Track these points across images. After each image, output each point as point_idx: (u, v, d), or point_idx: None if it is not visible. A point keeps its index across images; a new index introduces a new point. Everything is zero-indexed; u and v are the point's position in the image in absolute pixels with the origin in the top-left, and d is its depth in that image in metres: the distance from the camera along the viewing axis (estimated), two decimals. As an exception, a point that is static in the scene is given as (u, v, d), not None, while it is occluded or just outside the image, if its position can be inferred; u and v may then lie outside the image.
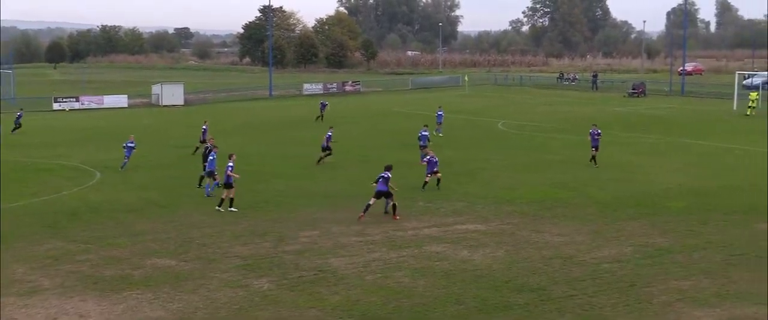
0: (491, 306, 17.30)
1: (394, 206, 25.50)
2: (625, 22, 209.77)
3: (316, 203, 27.90)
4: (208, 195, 28.89)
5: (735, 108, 61.67)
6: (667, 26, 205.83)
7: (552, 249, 21.72)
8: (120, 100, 71.46)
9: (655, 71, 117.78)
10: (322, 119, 53.71)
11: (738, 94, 64.44)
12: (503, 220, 25.10)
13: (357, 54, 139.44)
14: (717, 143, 42.50)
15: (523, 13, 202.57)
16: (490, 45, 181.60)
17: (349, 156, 38.89)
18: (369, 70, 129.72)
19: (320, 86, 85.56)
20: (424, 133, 36.79)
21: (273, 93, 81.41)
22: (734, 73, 73.81)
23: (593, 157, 35.05)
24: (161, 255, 21.36)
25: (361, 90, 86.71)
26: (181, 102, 72.19)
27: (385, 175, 25.47)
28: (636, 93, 76.45)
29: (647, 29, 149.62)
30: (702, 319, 16.45)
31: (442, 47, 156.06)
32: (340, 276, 19.48)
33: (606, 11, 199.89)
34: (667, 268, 19.87)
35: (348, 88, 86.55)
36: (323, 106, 55.32)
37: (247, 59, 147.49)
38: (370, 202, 25.33)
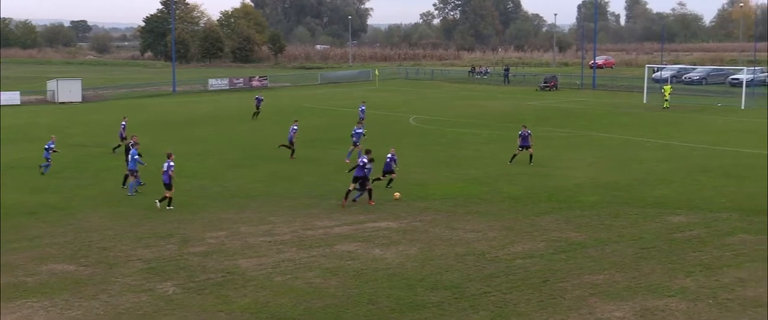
0: (405, 305, 17.40)
1: (370, 191, 26.90)
2: (537, 15, 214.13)
3: (223, 203, 27.62)
4: (131, 194, 28.59)
5: (645, 101, 63.44)
6: (578, 19, 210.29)
7: (465, 245, 21.97)
8: (12, 97, 69.27)
9: (566, 64, 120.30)
10: (257, 115, 52.95)
11: (648, 87, 66.28)
12: (416, 217, 25.28)
13: (264, 48, 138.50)
14: (629, 136, 43.63)
15: (434, 5, 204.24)
16: (401, 38, 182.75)
17: (256, 154, 38.61)
18: (277, 64, 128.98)
19: (226, 82, 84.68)
20: (358, 131, 36.73)
21: (176, 89, 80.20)
22: (644, 67, 75.94)
23: (530, 156, 34.78)
24: (59, 260, 20.82)
25: (269, 85, 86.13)
26: (78, 99, 70.46)
27: (363, 161, 26.85)
28: (548, 86, 77.91)
29: (558, 22, 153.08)
30: (614, 313, 16.86)
31: (352, 41, 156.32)
32: (248, 277, 19.32)
33: (517, 4, 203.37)
34: (580, 263, 20.32)
35: (255, 83, 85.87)
36: (259, 101, 54.54)
37: (148, 54, 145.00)
38: (350, 188, 26.86)
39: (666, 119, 51.64)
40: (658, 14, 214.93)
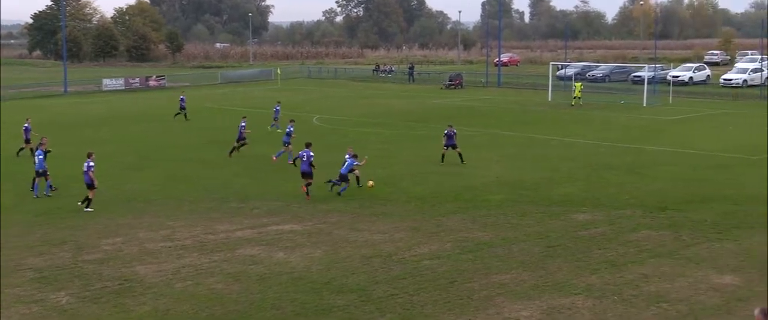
0: (310, 310, 17.36)
1: (308, 185, 28.04)
2: (441, 13, 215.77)
3: (119, 208, 27.08)
4: (37, 196, 28.20)
5: (550, 99, 64.73)
6: (482, 17, 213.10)
7: (371, 247, 22.05)
8: None
9: (471, 62, 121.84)
10: (185, 116, 51.81)
11: (553, 85, 67.64)
12: (320, 219, 25.25)
13: (161, 46, 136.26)
14: (534, 134, 44.45)
15: (337, 2, 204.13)
16: (303, 36, 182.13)
17: (153, 156, 37.98)
18: (175, 63, 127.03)
19: (121, 81, 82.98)
20: (290, 129, 36.46)
21: (68, 89, 78.17)
22: (548, 64, 77.48)
23: (460, 155, 35.00)
24: (-59, 271, 20.08)
25: (167, 85, 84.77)
26: (-39, 100, 68.05)
27: (308, 154, 28.33)
28: (453, 85, 78.75)
29: (463, 20, 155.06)
30: (521, 312, 17.17)
31: (253, 39, 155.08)
32: (147, 285, 18.98)
33: (421, 1, 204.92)
34: (488, 262, 20.61)
35: (152, 83, 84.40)
36: (183, 100, 53.41)
37: (37, 52, 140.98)
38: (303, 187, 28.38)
39: (571, 117, 52.78)
40: (562, 12, 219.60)
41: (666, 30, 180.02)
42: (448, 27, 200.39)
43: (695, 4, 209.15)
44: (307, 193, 28.02)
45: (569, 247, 21.92)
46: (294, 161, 33.18)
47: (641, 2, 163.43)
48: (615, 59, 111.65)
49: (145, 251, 21.77)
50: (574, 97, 60.92)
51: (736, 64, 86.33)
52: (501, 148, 39.70)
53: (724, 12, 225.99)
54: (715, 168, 33.98)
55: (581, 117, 52.48)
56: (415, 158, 36.45)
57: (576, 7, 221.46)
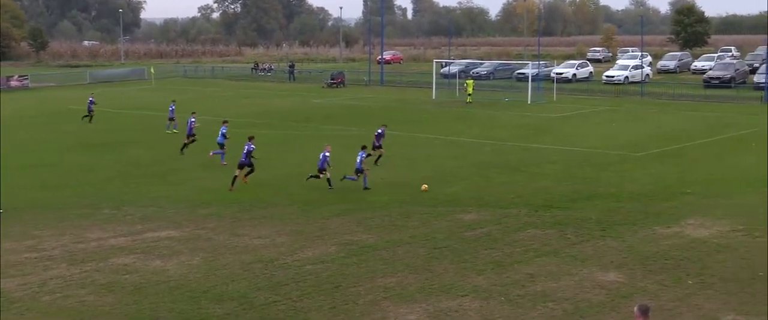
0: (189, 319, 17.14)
1: (236, 178, 29.93)
2: (322, 9, 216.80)
3: (-20, 217, 26.11)
4: None
5: (434, 97, 65.54)
6: (364, 13, 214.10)
7: (252, 253, 21.91)
8: None
9: (353, 60, 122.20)
10: (91, 119, 50.21)
11: (436, 83, 68.49)
12: (198, 225, 24.94)
13: (23, 44, 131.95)
14: (418, 133, 44.93)
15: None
16: (178, 34, 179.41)
17: (20, 162, 36.76)
18: (39, 62, 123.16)
19: (-21, 81, 79.98)
20: (224, 130, 36.33)
21: None
22: (432, 62, 78.39)
23: (378, 157, 35.05)
24: None
25: (30, 85, 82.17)
26: None
27: (249, 147, 30.24)
28: (335, 83, 78.86)
29: (345, 16, 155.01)
30: (408, 316, 17.35)
31: (124, 36, 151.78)
32: (11, 299, 18.38)
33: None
34: (373, 266, 20.75)
35: (14, 83, 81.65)
36: (92, 102, 51.75)
37: None
38: (236, 174, 29.98)
39: (455, 115, 53.57)
40: (445, 8, 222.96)
41: (549, 27, 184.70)
42: (330, 24, 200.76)
43: (577, 1, 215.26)
44: (232, 184, 29.97)
45: (455, 248, 22.26)
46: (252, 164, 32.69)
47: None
48: (499, 56, 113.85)
49: (8, 263, 21.08)
50: (468, 94, 61.90)
51: (617, 61, 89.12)
52: (385, 148, 39.92)
53: (606, 9, 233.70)
54: (598, 165, 35.05)
55: (465, 115, 53.30)
56: (298, 159, 36.38)
57: (459, 3, 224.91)
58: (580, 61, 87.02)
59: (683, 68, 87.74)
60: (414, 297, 18.41)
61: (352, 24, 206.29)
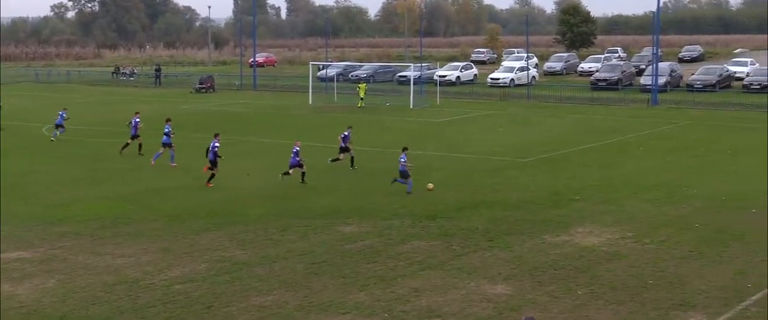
0: (44, 349, 16.64)
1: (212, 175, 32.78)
2: (189, 8, 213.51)
3: None
4: None
5: (311, 102, 65.52)
6: (234, 12, 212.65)
7: (115, 273, 21.43)
8: None
9: (224, 63, 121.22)
10: None
11: (313, 87, 68.49)
12: (53, 245, 24.26)
13: None
14: (293, 141, 44.68)
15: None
16: (28, 34, 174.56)
17: None
18: None
19: None
20: (168, 129, 37.62)
21: None
22: (308, 64, 78.37)
23: (351, 160, 36.52)
24: None
25: None
26: None
27: (214, 145, 32.92)
28: (204, 88, 78.05)
29: (213, 16, 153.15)
30: (286, 336, 17.25)
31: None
32: None
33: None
34: (247, 284, 20.56)
35: None
36: None
37: None
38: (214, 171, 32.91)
39: (333, 121, 53.63)
40: (321, 7, 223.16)
41: (431, 27, 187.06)
42: (197, 24, 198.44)
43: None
44: (210, 181, 32.75)
45: (335, 263, 22.26)
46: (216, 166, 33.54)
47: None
48: (379, 58, 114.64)
49: None
50: (361, 98, 62.15)
51: (502, 63, 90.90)
52: (259, 158, 39.73)
53: (490, 8, 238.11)
54: (484, 172, 35.62)
55: (344, 121, 53.35)
56: (164, 171, 35.80)
57: (337, 2, 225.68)
58: (464, 63, 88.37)
59: (570, 70, 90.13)
60: (292, 317, 18.32)
61: (222, 24, 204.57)
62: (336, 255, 22.95)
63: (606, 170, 36.11)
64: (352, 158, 36.67)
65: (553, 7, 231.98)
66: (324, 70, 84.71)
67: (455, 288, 20.24)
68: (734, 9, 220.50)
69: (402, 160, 31.84)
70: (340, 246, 23.94)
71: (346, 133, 36.90)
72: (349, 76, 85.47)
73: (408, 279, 20.87)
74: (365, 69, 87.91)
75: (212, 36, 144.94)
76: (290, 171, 33.18)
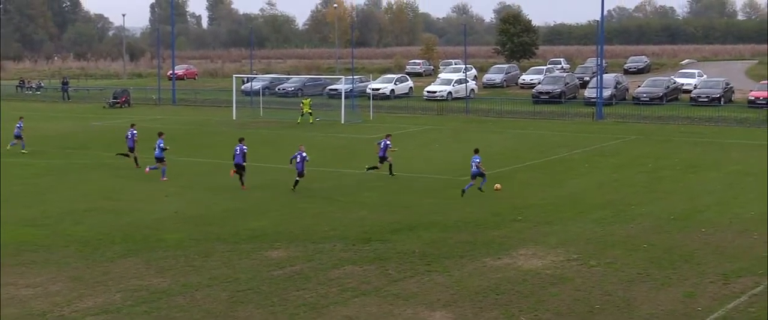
0: (-58, 389, 16.24)
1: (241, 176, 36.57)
2: (101, 16, 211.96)
3: None
4: None
5: (235, 117, 65.23)
6: (151, 21, 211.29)
7: (19, 305, 21.05)
8: None
9: (140, 76, 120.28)
10: None
11: (237, 101, 68.19)
12: (-47, 274, 23.76)
13: None
14: (217, 160, 44.52)
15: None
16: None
17: None
18: None
19: None
20: (161, 143, 38.78)
21: None
22: (231, 77, 78.07)
23: (390, 167, 39.09)
24: None
25: None
26: None
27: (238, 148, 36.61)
28: (118, 103, 77.30)
29: (128, 25, 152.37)
30: (209, 371, 17.08)
31: None
32: None
33: (76, 3, 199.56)
34: (166, 314, 20.33)
35: None
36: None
37: None
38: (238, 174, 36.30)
39: (259, 138, 53.46)
40: (246, 16, 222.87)
41: (364, 37, 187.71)
42: (111, 33, 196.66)
43: (394, 7, 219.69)
44: (242, 183, 36.28)
45: (262, 290, 22.11)
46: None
47: (335, 5, 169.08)
48: (308, 70, 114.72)
49: None
50: (308, 113, 61.93)
51: (439, 75, 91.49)
52: (178, 178, 39.40)
53: (426, 16, 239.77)
54: (421, 191, 35.74)
55: (271, 138, 53.27)
56: (75, 194, 35.32)
57: (262, 10, 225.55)
58: (399, 75, 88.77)
59: (510, 82, 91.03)
60: (215, 350, 18.15)
61: (138, 34, 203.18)
62: (262, 282, 22.80)
63: (550, 188, 36.46)
64: (391, 166, 39.11)
65: (492, 15, 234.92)
66: (249, 83, 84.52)
67: (391, 315, 20.23)
68: (681, 18, 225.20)
69: (476, 160, 34.71)
70: (267, 272, 23.80)
71: (386, 142, 39.11)
72: (276, 89, 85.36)
73: (340, 307, 20.80)
74: (293, 82, 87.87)
75: (127, 46, 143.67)
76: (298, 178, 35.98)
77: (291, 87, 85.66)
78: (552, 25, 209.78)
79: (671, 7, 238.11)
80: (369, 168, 39.28)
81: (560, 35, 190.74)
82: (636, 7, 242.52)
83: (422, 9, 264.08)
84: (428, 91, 79.68)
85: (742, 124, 59.26)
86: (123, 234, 28.19)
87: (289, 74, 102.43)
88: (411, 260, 24.93)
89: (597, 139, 51.90)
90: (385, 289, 22.24)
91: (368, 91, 76.19)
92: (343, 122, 62.07)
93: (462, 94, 75.54)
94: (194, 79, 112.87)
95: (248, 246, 26.60)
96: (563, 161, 43.24)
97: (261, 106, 69.84)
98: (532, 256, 25.27)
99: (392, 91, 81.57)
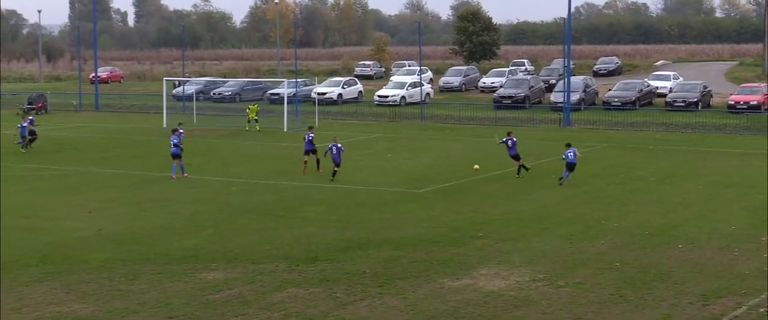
0: None
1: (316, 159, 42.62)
2: (14, 13, 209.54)
3: None
4: None
5: (166, 125, 64.85)
6: (71, 18, 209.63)
7: (-75, 335, 20.75)
8: None
9: (59, 79, 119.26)
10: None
11: (168, 107, 67.83)
12: None
13: None
14: (147, 171, 44.28)
15: None
16: None
17: None
18: None
19: None
20: (175, 140, 41.10)
21: None
22: (162, 80, 77.65)
23: (521, 166, 42.53)
24: None
25: None
26: None
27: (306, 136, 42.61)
28: (34, 108, 76.57)
29: (45, 22, 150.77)
30: None
31: None
32: None
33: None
34: (89, 344, 20.16)
35: None
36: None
37: None
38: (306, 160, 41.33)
39: (193, 146, 53.17)
40: (177, 12, 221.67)
41: (308, 36, 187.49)
42: (25, 31, 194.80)
43: (341, 3, 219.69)
44: (319, 167, 42.80)
45: (197, 316, 22.00)
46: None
47: (276, 1, 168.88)
48: (247, 73, 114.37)
49: None
50: (254, 120, 61.78)
51: (392, 78, 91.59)
52: (101, 191, 39.12)
53: (376, 13, 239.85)
54: (373, 205, 35.74)
55: (204, 147, 53.03)
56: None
57: (195, 6, 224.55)
58: (347, 78, 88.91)
59: (470, 85, 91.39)
60: (144, 382, 18.02)
61: (56, 32, 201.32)
62: (197, 307, 22.68)
63: (513, 202, 36.62)
64: (318, 161, 43.06)
65: (449, 12, 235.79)
66: (180, 87, 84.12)
67: (340, 343, 20.19)
68: (654, 16, 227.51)
69: (573, 151, 39.52)
70: (201, 296, 23.67)
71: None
72: (211, 93, 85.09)
73: (283, 334, 20.74)
74: (230, 85, 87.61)
75: (43, 46, 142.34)
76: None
77: (228, 91, 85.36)
78: (514, 22, 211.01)
79: (644, 4, 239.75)
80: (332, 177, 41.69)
81: (524, 34, 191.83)
82: (606, 3, 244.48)
83: (372, 5, 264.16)
84: (379, 96, 79.81)
85: (722, 131, 60.03)
86: (40, 255, 27.90)
87: (225, 77, 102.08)
88: (361, 281, 24.91)
89: (565, 147, 52.20)
90: (333, 314, 22.20)
91: (313, 95, 76.12)
92: (285, 130, 61.96)
93: (416, 98, 75.73)
94: (120, 82, 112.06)
95: (181, 267, 26.43)
96: (528, 172, 43.44)
97: (194, 112, 69.53)
98: (494, 276, 25.35)
99: (340, 95, 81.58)
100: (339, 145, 41.18)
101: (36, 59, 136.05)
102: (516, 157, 42.26)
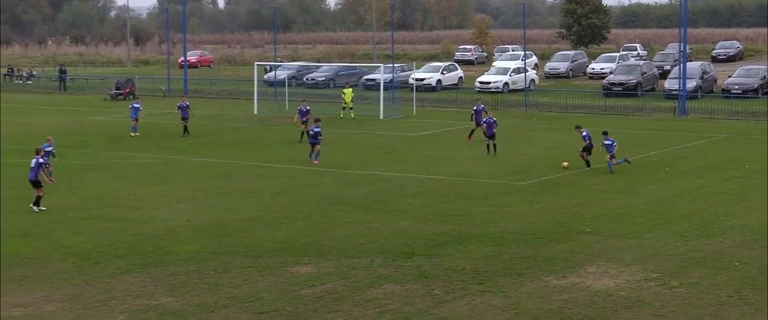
0: None
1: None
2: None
3: None
4: None
5: (257, 111, 65.43)
6: (160, 0, 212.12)
7: (10, 327, 21.30)
8: None
9: (147, 63, 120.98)
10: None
11: (259, 93, 68.36)
12: (-67, 291, 24.07)
13: None
14: (236, 160, 44.71)
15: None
16: None
17: None
18: None
19: None
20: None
21: None
22: (253, 65, 78.29)
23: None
24: None
25: None
26: None
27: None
28: (122, 94, 77.80)
29: (133, 5, 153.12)
30: None
31: None
32: None
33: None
34: (177, 339, 20.47)
35: None
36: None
37: None
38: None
39: (283, 136, 53.60)
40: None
41: (406, 18, 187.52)
42: (113, 14, 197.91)
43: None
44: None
45: (288, 312, 22.19)
46: None
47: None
48: (341, 57, 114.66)
49: None
50: (349, 107, 62.04)
51: (494, 64, 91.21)
52: (191, 180, 39.61)
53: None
54: (473, 198, 35.66)
55: (297, 135, 53.36)
56: (74, 199, 35.59)
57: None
58: (447, 63, 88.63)
59: (577, 71, 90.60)
60: (234, 380, 18.25)
61: (144, 14, 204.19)
62: (289, 302, 22.87)
63: (623, 195, 36.27)
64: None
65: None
66: (272, 72, 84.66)
67: (438, 342, 20.23)
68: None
69: (612, 143, 40.92)
70: (293, 291, 23.86)
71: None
72: (304, 79, 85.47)
73: (379, 332, 20.83)
74: (324, 71, 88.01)
75: (132, 29, 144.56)
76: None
77: (321, 76, 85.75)
78: (626, 4, 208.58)
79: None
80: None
81: (636, 16, 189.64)
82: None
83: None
84: (481, 82, 79.49)
85: None
86: (128, 246, 28.38)
87: (319, 62, 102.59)
88: (461, 278, 24.91)
89: (679, 138, 51.60)
90: (431, 312, 22.24)
91: (411, 81, 76.04)
92: (381, 117, 62.07)
93: (520, 85, 75.30)
94: (209, 66, 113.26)
95: (272, 261, 26.68)
96: (639, 164, 42.97)
97: (287, 98, 70.00)
98: (602, 275, 25.17)
99: (439, 81, 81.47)
100: (493, 119, 45.77)
101: (124, 43, 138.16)
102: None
